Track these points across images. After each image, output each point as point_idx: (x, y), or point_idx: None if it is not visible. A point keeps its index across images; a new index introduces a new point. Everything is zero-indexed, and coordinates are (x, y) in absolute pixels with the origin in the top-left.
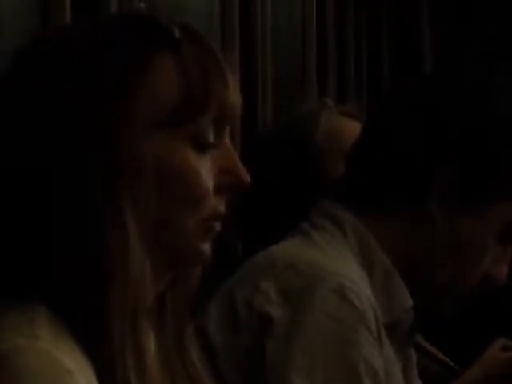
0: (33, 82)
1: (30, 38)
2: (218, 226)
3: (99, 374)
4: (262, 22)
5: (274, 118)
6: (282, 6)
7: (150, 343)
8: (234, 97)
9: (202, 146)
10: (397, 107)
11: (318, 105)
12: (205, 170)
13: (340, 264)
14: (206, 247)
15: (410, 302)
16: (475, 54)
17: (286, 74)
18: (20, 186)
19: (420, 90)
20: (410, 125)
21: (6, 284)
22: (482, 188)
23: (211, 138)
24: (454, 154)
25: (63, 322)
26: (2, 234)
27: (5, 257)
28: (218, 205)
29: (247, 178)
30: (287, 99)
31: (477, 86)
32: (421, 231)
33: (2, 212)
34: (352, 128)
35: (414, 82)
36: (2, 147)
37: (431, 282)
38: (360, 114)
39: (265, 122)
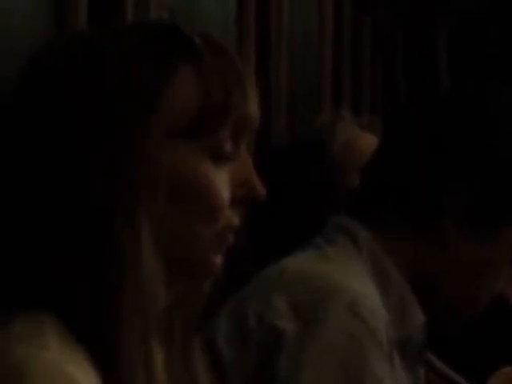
0: (48, 91)
1: (44, 43)
2: (230, 237)
3: None
4: (277, 35)
5: (288, 131)
6: (298, 19)
7: (158, 355)
8: (253, 109)
9: (219, 158)
10: (409, 130)
11: (334, 116)
12: (221, 181)
13: (353, 279)
14: (218, 259)
15: (421, 320)
16: (489, 77)
17: (300, 86)
18: (33, 198)
19: (431, 114)
20: (423, 149)
21: (15, 293)
22: (494, 212)
23: (229, 150)
24: (465, 180)
25: (72, 333)
26: (13, 243)
27: (14, 266)
28: (231, 217)
29: (263, 191)
30: (302, 112)
31: (485, 110)
32: (434, 253)
33: (14, 219)
34: (368, 140)
35: (426, 105)
36: (17, 156)
37: (444, 301)
38: (375, 127)
39: (278, 134)
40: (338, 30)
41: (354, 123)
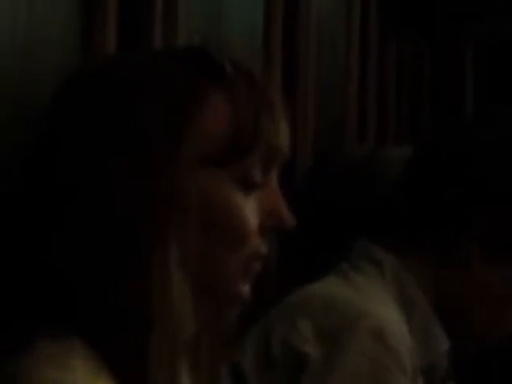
0: (79, 117)
1: (72, 69)
2: (258, 266)
3: None
4: (305, 72)
5: (313, 159)
6: (325, 51)
7: (185, 381)
8: (283, 139)
9: (248, 186)
10: (433, 157)
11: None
12: (249, 210)
13: (377, 304)
14: (246, 288)
15: (446, 346)
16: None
17: (326, 116)
18: (65, 223)
19: (456, 141)
20: (448, 175)
21: (42, 315)
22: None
23: (258, 179)
24: (490, 204)
25: (99, 357)
26: (42, 264)
27: (44, 287)
28: (259, 245)
29: (292, 221)
30: (327, 141)
31: (508, 135)
32: (459, 277)
33: (46, 242)
34: None
35: (451, 132)
36: (42, 185)
37: (469, 327)
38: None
39: (304, 162)
40: (364, 59)
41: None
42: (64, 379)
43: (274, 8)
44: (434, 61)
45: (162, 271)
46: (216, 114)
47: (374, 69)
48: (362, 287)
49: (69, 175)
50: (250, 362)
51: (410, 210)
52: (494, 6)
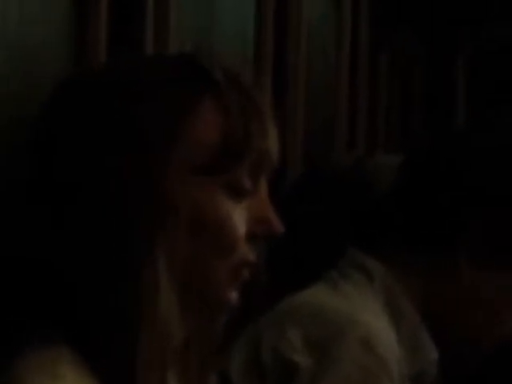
0: (73, 119)
1: (64, 75)
2: (247, 273)
3: None
4: (295, 78)
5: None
6: (316, 55)
7: None
8: (273, 145)
9: (237, 193)
10: (423, 166)
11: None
12: (238, 217)
13: (366, 313)
14: (234, 294)
15: (435, 355)
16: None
17: (316, 122)
18: (52, 228)
19: (446, 149)
20: (438, 183)
21: (30, 325)
22: (509, 239)
23: (247, 186)
24: (481, 210)
25: (87, 364)
26: (29, 275)
27: (29, 296)
28: (248, 252)
29: (281, 228)
30: (317, 150)
31: (501, 141)
32: (449, 285)
33: (28, 252)
34: None
35: (442, 140)
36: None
37: (463, 331)
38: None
39: (294, 169)
40: (354, 65)
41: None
42: None
43: (265, 14)
44: (426, 66)
45: (151, 274)
46: (206, 122)
47: (365, 74)
48: (350, 295)
49: (67, 175)
50: (239, 369)
51: (403, 214)
52: (490, 11)
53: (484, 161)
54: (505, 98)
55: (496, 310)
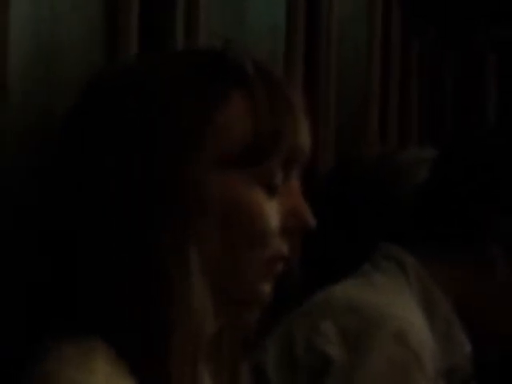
0: (100, 118)
1: (94, 72)
2: (280, 267)
3: None
4: (326, 73)
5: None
6: (347, 52)
7: (207, 380)
8: (304, 140)
9: (269, 187)
10: (457, 162)
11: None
12: (271, 211)
13: (400, 306)
14: (267, 288)
15: (468, 350)
16: None
17: (348, 121)
18: (84, 230)
19: (479, 147)
20: (471, 180)
21: (63, 317)
22: None
23: (279, 180)
24: None
25: (122, 359)
26: (68, 271)
27: (69, 293)
28: (281, 246)
29: (313, 222)
30: (349, 145)
31: None
32: (483, 281)
33: (66, 247)
34: None
35: (475, 138)
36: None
37: (494, 327)
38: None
39: (325, 162)
40: (386, 61)
41: None
42: (85, 381)
43: (296, 9)
44: (457, 62)
45: (182, 272)
46: (237, 115)
47: (396, 68)
48: (384, 288)
49: (94, 172)
50: (273, 361)
51: (434, 210)
52: None
53: (505, 158)
54: None
55: None
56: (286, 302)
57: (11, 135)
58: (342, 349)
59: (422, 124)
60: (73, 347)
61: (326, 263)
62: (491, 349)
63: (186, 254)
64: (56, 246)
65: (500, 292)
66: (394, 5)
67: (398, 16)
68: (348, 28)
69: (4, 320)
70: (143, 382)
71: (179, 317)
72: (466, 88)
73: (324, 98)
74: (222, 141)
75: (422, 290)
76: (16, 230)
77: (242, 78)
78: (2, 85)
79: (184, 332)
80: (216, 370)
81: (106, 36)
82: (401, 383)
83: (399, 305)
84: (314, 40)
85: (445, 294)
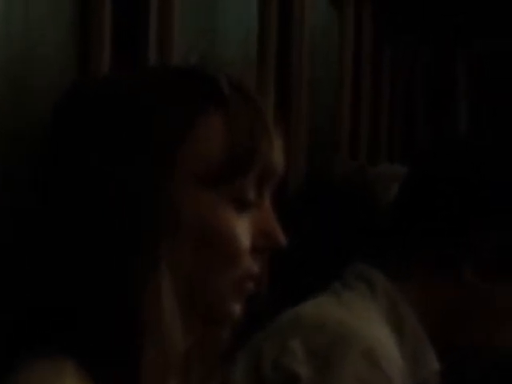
0: (73, 135)
1: (67, 88)
2: (251, 286)
3: None
4: (298, 83)
5: (305, 175)
6: (318, 64)
7: None
8: (278, 159)
9: (242, 205)
10: (427, 178)
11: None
12: (242, 229)
13: (369, 324)
14: (238, 307)
15: (436, 366)
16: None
17: (319, 131)
18: (55, 242)
19: (451, 161)
20: (443, 195)
21: (33, 336)
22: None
23: (252, 197)
24: (487, 219)
25: (90, 377)
26: (33, 286)
27: (34, 308)
28: (252, 265)
29: (284, 242)
30: (319, 156)
31: (502, 152)
32: (453, 296)
33: (34, 261)
34: None
35: (447, 151)
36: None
37: (462, 345)
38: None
39: (296, 178)
40: (357, 74)
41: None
42: None
43: (268, 20)
44: (428, 71)
45: (153, 287)
46: (211, 134)
47: (367, 81)
48: (354, 307)
49: (69, 187)
50: (240, 380)
51: (406, 226)
52: (494, 19)
53: (488, 171)
54: (507, 99)
55: (498, 320)
56: (255, 319)
57: None
58: (310, 367)
59: (393, 135)
60: (42, 365)
61: (295, 280)
62: (470, 365)
63: (158, 272)
64: (27, 265)
65: (468, 307)
66: (365, 17)
67: (370, 28)
68: (320, 39)
69: None
70: None
71: (149, 334)
72: (437, 98)
73: (296, 113)
74: (196, 160)
75: (390, 308)
76: None
77: (217, 95)
78: None
79: (155, 352)
80: None
81: (79, 45)
82: None
83: (368, 323)
84: (287, 50)
85: (413, 310)
